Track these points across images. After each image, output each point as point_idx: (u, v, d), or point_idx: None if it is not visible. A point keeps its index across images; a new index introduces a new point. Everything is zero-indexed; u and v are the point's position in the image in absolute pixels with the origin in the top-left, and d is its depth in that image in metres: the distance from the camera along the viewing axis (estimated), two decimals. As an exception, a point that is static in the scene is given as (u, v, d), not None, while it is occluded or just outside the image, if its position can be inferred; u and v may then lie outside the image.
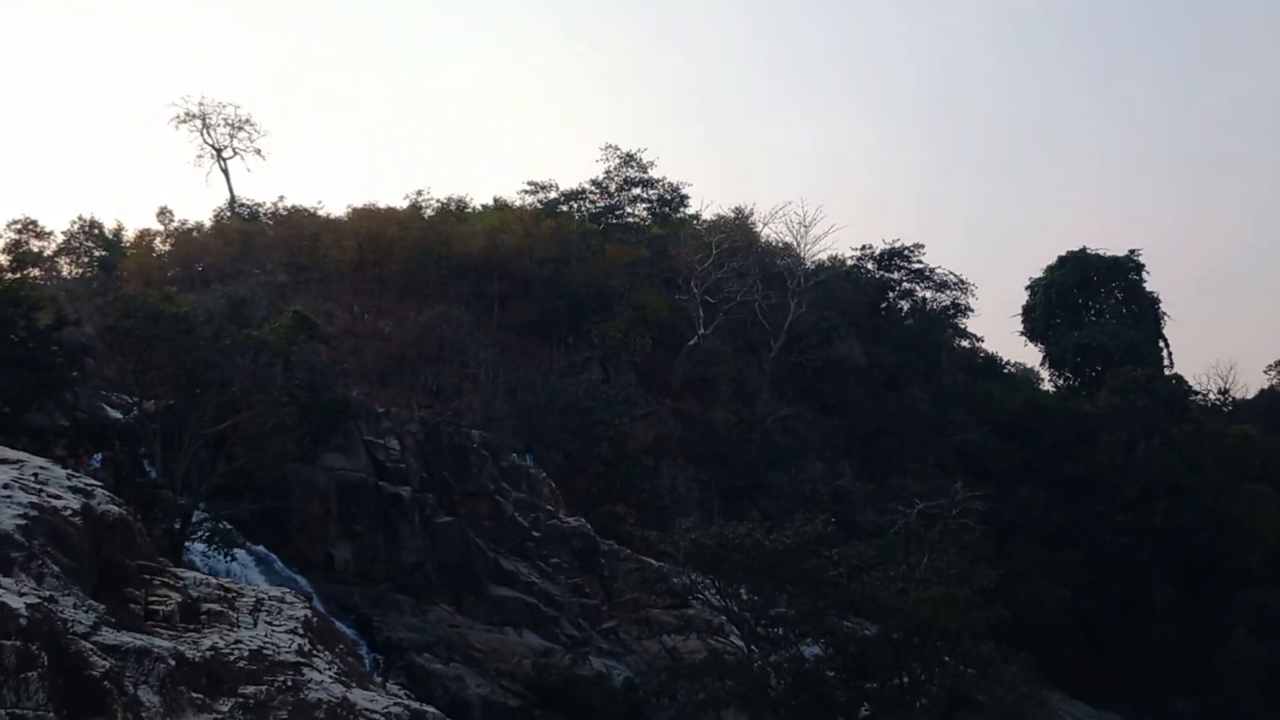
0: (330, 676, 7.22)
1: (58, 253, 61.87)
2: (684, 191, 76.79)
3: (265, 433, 31.99)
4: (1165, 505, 57.45)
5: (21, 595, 5.65)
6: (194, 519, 28.72)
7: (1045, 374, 79.15)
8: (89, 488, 7.46)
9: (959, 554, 37.31)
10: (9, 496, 6.42)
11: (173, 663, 6.10)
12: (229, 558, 29.15)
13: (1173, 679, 55.98)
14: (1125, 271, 79.87)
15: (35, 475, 7.13)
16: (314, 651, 7.36)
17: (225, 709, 5.98)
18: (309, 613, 8.37)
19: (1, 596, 5.45)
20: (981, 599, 37.42)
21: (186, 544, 27.79)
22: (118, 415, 32.28)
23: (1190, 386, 70.69)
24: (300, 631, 7.68)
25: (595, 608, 45.33)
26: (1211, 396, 73.42)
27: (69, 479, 7.39)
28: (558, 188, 75.31)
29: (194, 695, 6.06)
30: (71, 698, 5.41)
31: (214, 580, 7.74)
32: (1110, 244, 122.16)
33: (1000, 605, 41.21)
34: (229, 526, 30.25)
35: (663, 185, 75.67)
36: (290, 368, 34.48)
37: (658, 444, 55.26)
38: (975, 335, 76.60)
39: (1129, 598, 57.76)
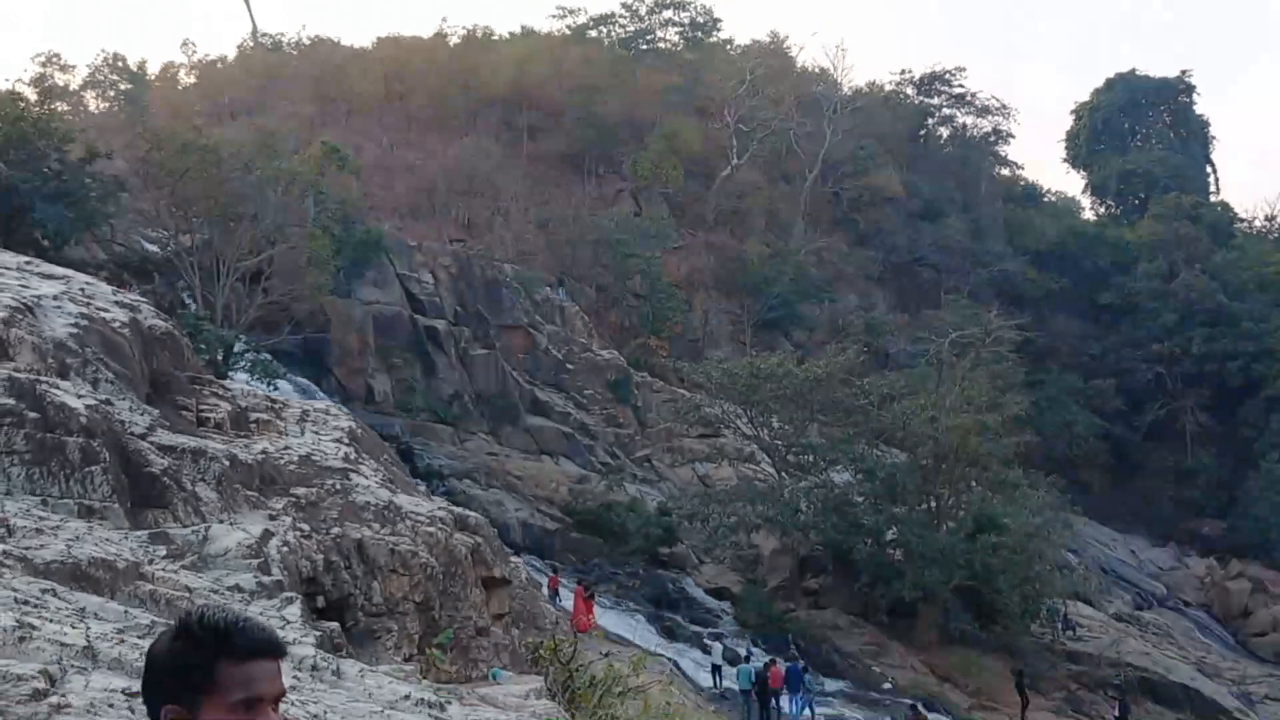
0: (376, 482, 7.45)
1: (83, 87, 61.13)
2: (717, 15, 74.28)
3: (300, 266, 32.19)
4: (1203, 333, 57.07)
5: (80, 397, 5.80)
6: (235, 350, 29.25)
7: (1087, 202, 77.58)
8: (135, 303, 7.55)
9: (990, 382, 37.50)
10: (59, 307, 6.51)
11: (227, 463, 6.30)
12: (271, 388, 29.81)
13: (1199, 504, 56.86)
14: (1175, 94, 76.98)
15: (82, 290, 7.22)
16: (359, 459, 7.57)
17: (279, 507, 6.20)
18: (353, 424, 8.58)
19: (61, 397, 5.60)
20: (1011, 425, 37.84)
21: (229, 374, 28.38)
22: (155, 250, 32.53)
23: (1236, 214, 69.11)
24: (345, 441, 7.88)
25: (629, 437, 46.30)
26: (1258, 223, 71.82)
27: (114, 294, 7.48)
28: (586, 12, 72.96)
29: (249, 493, 6.29)
30: (134, 492, 5.62)
31: (260, 392, 7.88)
32: (1161, 66, 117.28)
33: (1030, 432, 41.69)
34: (269, 357, 30.81)
35: (695, 8, 73.05)
36: (321, 201, 34.38)
37: (690, 277, 55.18)
38: (1016, 163, 74.94)
39: (1160, 424, 58.15)
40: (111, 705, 3.21)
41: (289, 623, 5.09)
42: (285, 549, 5.92)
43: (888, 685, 32.01)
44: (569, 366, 45.92)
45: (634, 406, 47.15)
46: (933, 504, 36.71)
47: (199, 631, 2.00)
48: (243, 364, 29.88)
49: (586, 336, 48.80)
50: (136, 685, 3.64)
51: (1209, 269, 58.13)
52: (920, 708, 26.96)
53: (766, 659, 28.49)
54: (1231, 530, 54.98)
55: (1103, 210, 74.18)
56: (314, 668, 4.69)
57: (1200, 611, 51.92)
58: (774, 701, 27.09)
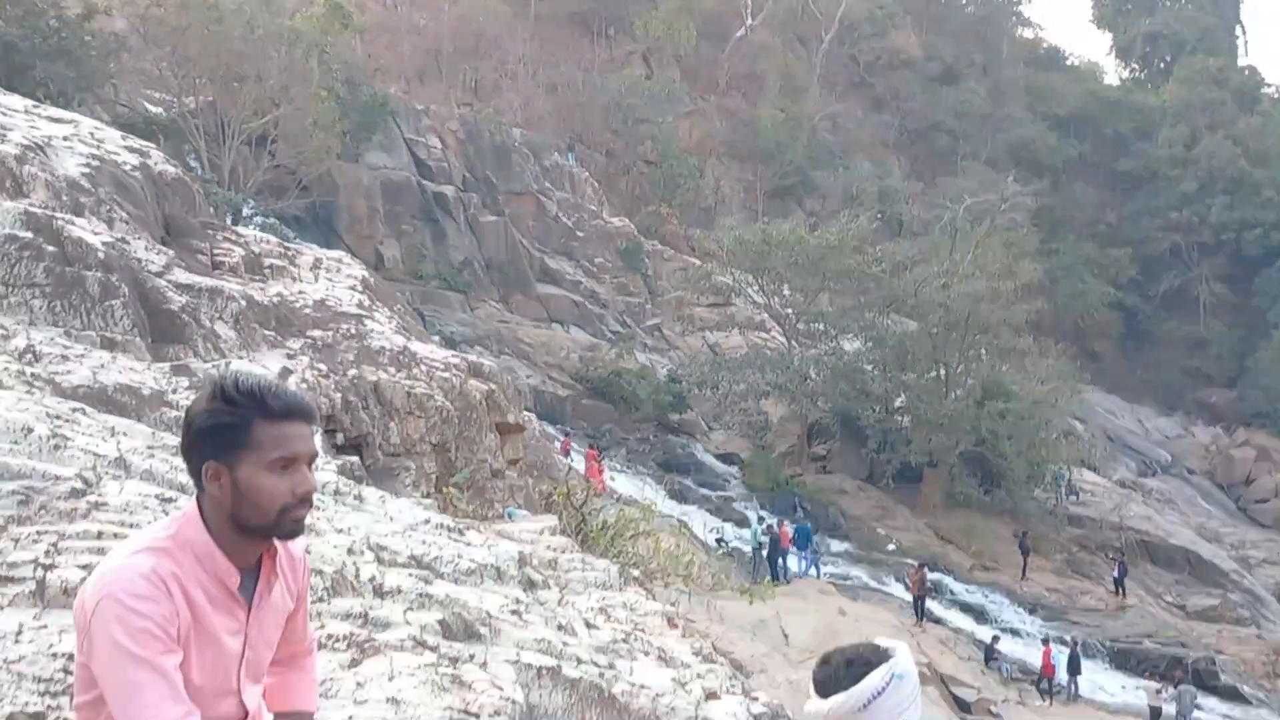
0: (391, 329, 7.50)
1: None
2: None
3: (306, 129, 31.73)
4: (1222, 201, 56.28)
5: (96, 234, 5.81)
6: (244, 214, 29.12)
7: (1111, 66, 75.46)
8: (144, 148, 7.48)
9: (1004, 249, 37.23)
10: (70, 148, 6.47)
11: (243, 303, 6.34)
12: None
13: (1209, 374, 57.05)
14: (1207, -51, 74.06)
15: (91, 134, 7.15)
16: (373, 307, 7.62)
17: (296, 347, 6.27)
18: (365, 273, 8.60)
19: (78, 232, 5.61)
20: (1024, 293, 37.73)
21: (240, 238, 28.27)
22: (160, 111, 32.06)
23: (1264, 79, 67.27)
24: (359, 288, 7.91)
25: (639, 306, 46.33)
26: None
27: (123, 139, 7.40)
28: None
29: (266, 333, 6.35)
30: (154, 328, 5.67)
31: (274, 239, 7.89)
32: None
33: (1043, 300, 41.55)
34: (278, 222, 30.68)
35: None
36: (325, 63, 33.66)
37: (702, 143, 54.32)
38: (1038, 25, 72.82)
39: (1173, 294, 57.89)
40: (146, 507, 3.32)
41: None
42: (304, 386, 6.01)
43: (892, 547, 32.82)
44: (579, 234, 45.64)
45: (645, 275, 47.03)
46: (942, 371, 36.90)
47: (235, 394, 2.05)
48: (252, 227, 29.72)
49: (597, 204, 48.36)
50: (169, 492, 3.77)
51: (1232, 135, 56.90)
52: (924, 567, 27.75)
53: (774, 520, 29.17)
54: (1240, 399, 55.30)
55: (1127, 74, 72.27)
56: (336, 492, 4.80)
57: (1204, 479, 52.64)
58: (781, 560, 27.85)
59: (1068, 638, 29.40)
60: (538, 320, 42.39)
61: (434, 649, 3.61)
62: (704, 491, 33.95)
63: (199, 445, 2.07)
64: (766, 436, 38.79)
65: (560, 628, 4.66)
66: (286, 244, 8.21)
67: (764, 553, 27.25)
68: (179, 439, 2.10)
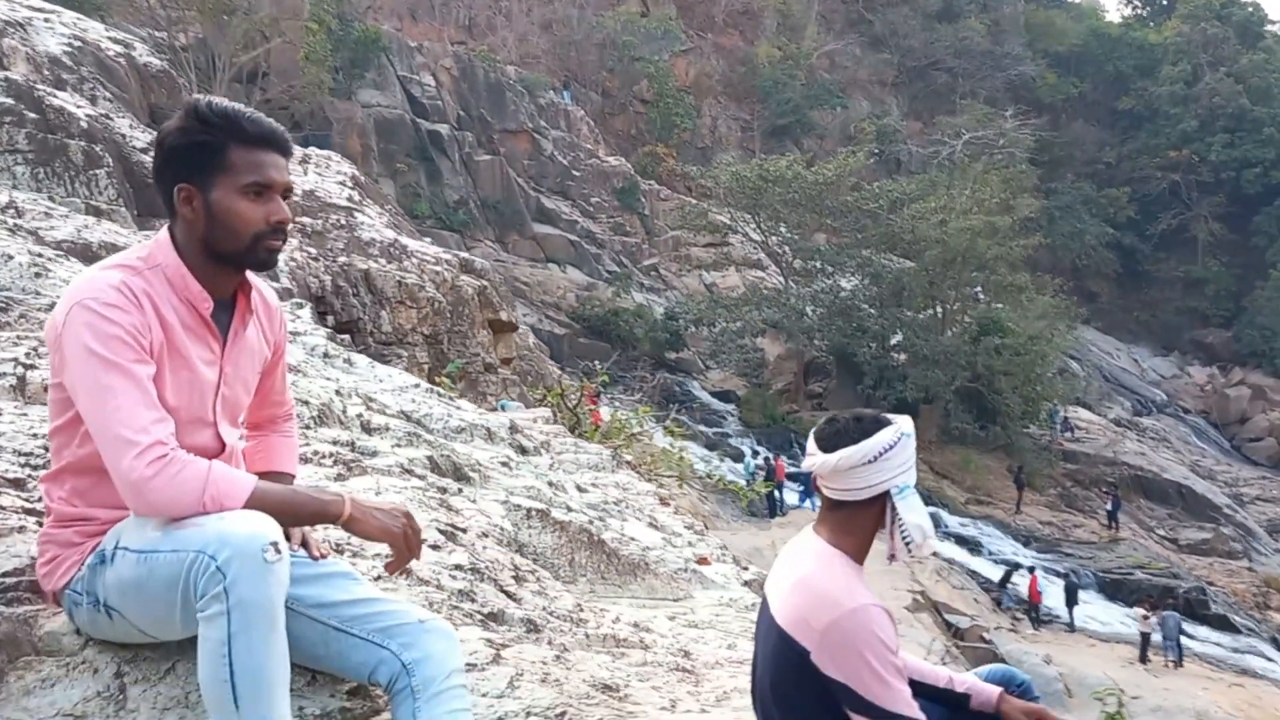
0: (382, 224, 7.44)
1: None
2: None
3: (297, 63, 31.39)
4: (1223, 138, 55.89)
5: (79, 107, 5.73)
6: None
7: (1112, 3, 74.67)
8: (128, 40, 7.35)
9: (1002, 184, 37.01)
10: (50, 28, 6.34)
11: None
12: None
13: (1206, 313, 57.02)
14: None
15: (75, 21, 7.01)
16: (364, 202, 7.54)
17: (286, 230, 6.24)
18: (355, 171, 8.51)
19: (60, 102, 5.53)
20: (1021, 229, 37.60)
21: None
22: (149, 48, 31.66)
23: (1267, 14, 66.47)
24: (349, 184, 7.82)
25: (636, 246, 46.15)
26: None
27: (106, 29, 7.27)
28: None
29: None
30: (139, 202, 5.61)
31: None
32: None
33: (1040, 236, 41.42)
34: (271, 157, 30.37)
35: None
36: (316, -3, 33.27)
37: (698, 82, 53.76)
38: (1039, -39, 71.47)
39: (1171, 234, 57.67)
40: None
41: (299, 319, 5.19)
42: (294, 264, 5.97)
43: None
44: (575, 173, 45.32)
45: (641, 215, 46.80)
46: (938, 308, 36.90)
47: (210, 115, 2.01)
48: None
49: (593, 143, 47.96)
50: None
51: (1234, 72, 56.36)
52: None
53: (770, 454, 29.31)
54: (1236, 339, 55.33)
55: (1129, 11, 71.39)
56: (326, 355, 4.78)
57: (1199, 418, 52.80)
58: (778, 493, 28.03)
59: (1061, 568, 29.79)
60: (534, 260, 42.26)
61: (421, 478, 3.61)
62: (700, 428, 34.03)
63: (171, 166, 2.03)
64: (763, 374, 38.86)
65: (551, 484, 4.66)
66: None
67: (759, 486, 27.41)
68: (153, 164, 2.06)
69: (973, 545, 30.02)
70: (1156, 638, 23.97)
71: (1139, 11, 69.54)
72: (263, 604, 1.79)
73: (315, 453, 3.33)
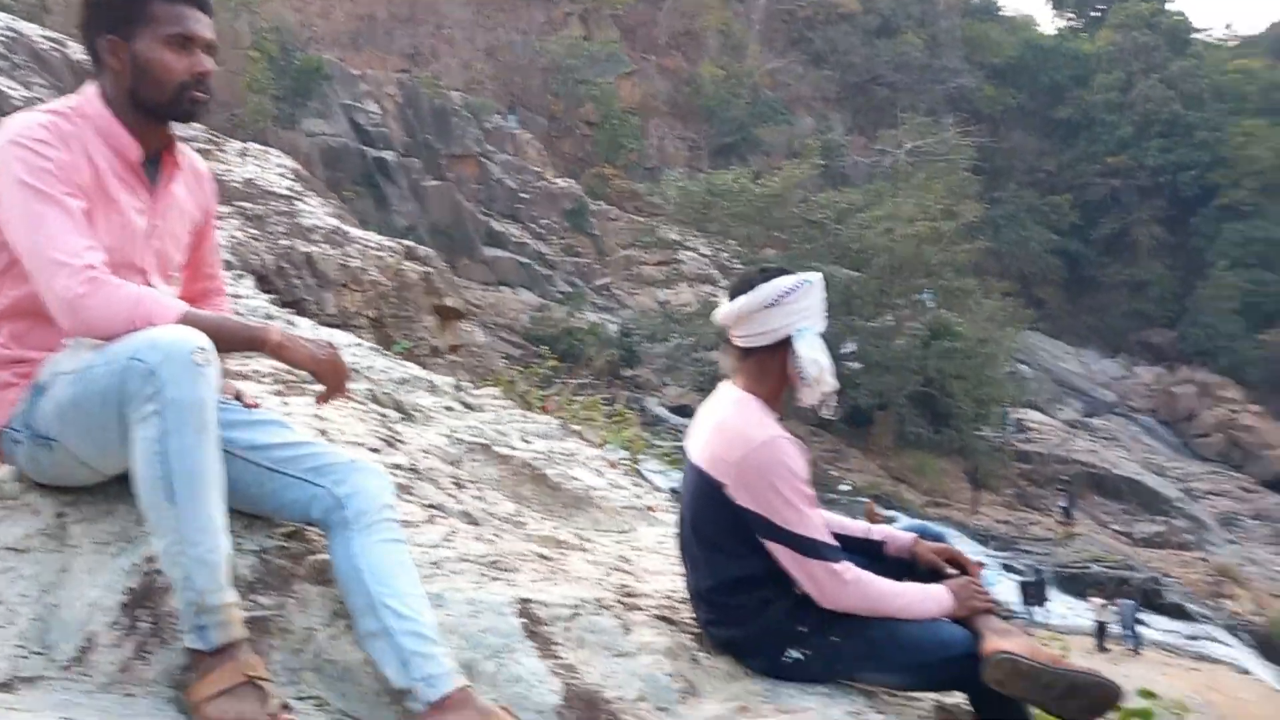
0: (324, 213, 7.46)
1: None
2: None
3: (240, 92, 31.25)
4: (1158, 144, 57.22)
5: (14, 89, 5.70)
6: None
7: (1048, 17, 76.27)
8: (61, 38, 7.33)
9: (946, 191, 37.62)
10: (-20, 20, 6.34)
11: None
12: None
13: (1150, 315, 58.14)
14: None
15: (9, 22, 6.98)
16: (305, 193, 7.55)
17: (224, 211, 6.20)
18: (297, 165, 8.53)
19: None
20: (967, 235, 38.22)
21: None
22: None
23: (1193, 23, 68.37)
24: (290, 176, 7.84)
25: (588, 266, 46.30)
26: (1216, 33, 71.17)
27: (41, 31, 7.24)
28: None
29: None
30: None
31: (201, 126, 7.74)
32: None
33: (985, 241, 42.13)
34: (216, 185, 30.14)
35: None
36: (255, 25, 33.12)
37: (644, 103, 54.17)
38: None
39: (1114, 238, 58.82)
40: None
41: (240, 286, 5.17)
42: (235, 241, 5.95)
43: (845, 487, 33.25)
44: (524, 196, 45.42)
45: (591, 235, 46.97)
46: (889, 316, 37.33)
47: None
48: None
49: (540, 166, 48.12)
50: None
51: (1166, 78, 57.79)
52: (876, 505, 28.18)
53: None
54: (1181, 339, 56.44)
55: (1062, 24, 73.03)
56: (268, 316, 4.77)
57: (1148, 417, 53.73)
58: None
59: (1021, 565, 30.12)
60: (486, 283, 42.21)
61: (362, 404, 3.62)
62: (657, 443, 34.01)
63: (95, 18, 2.10)
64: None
65: (498, 431, 4.68)
66: (213, 132, 8.08)
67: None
68: (79, 18, 2.13)
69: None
70: (1115, 628, 24.30)
71: (1072, 23, 71.15)
72: (194, 404, 1.82)
73: (255, 370, 3.34)
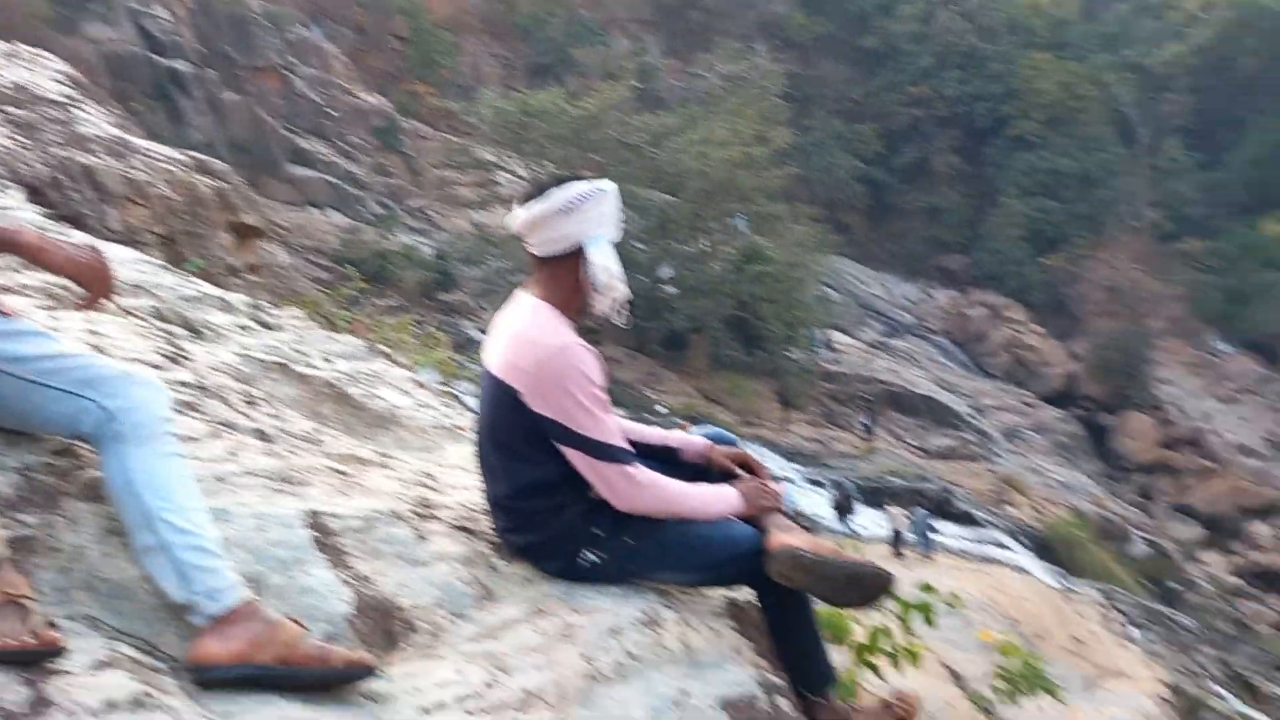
0: (107, 123, 6.93)
1: None
2: None
3: (9, -9, 28.57)
4: (956, 75, 59.77)
5: None
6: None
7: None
8: None
9: (757, 117, 38.30)
10: None
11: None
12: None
13: (947, 241, 61.22)
14: None
15: None
16: (84, 101, 6.98)
17: (-11, 118, 5.69)
18: (75, 72, 7.87)
19: None
20: (777, 161, 39.11)
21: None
22: None
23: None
24: (66, 82, 7.24)
25: (400, 187, 45.02)
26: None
27: None
28: None
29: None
30: None
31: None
32: None
33: (796, 169, 43.24)
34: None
35: None
36: (27, -84, 30.25)
37: (456, 19, 52.56)
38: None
39: (914, 166, 61.37)
40: None
41: (7, 197, 4.78)
42: (1, 150, 5.48)
43: (662, 409, 33.96)
44: (331, 112, 43.57)
45: (404, 155, 45.63)
46: (704, 241, 37.98)
47: None
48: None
49: (348, 81, 46.17)
50: None
51: (965, 11, 60.27)
52: (690, 426, 28.98)
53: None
54: (973, 264, 59.73)
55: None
56: (42, 228, 4.43)
57: (943, 338, 56.91)
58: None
59: (825, 479, 31.64)
60: (292, 204, 40.48)
61: (144, 321, 3.43)
62: (472, 366, 33.75)
63: None
64: (536, 311, 38.89)
65: (298, 350, 4.53)
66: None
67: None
68: None
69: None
70: (909, 536, 25.88)
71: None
72: None
73: (23, 284, 3.11)
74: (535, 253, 2.46)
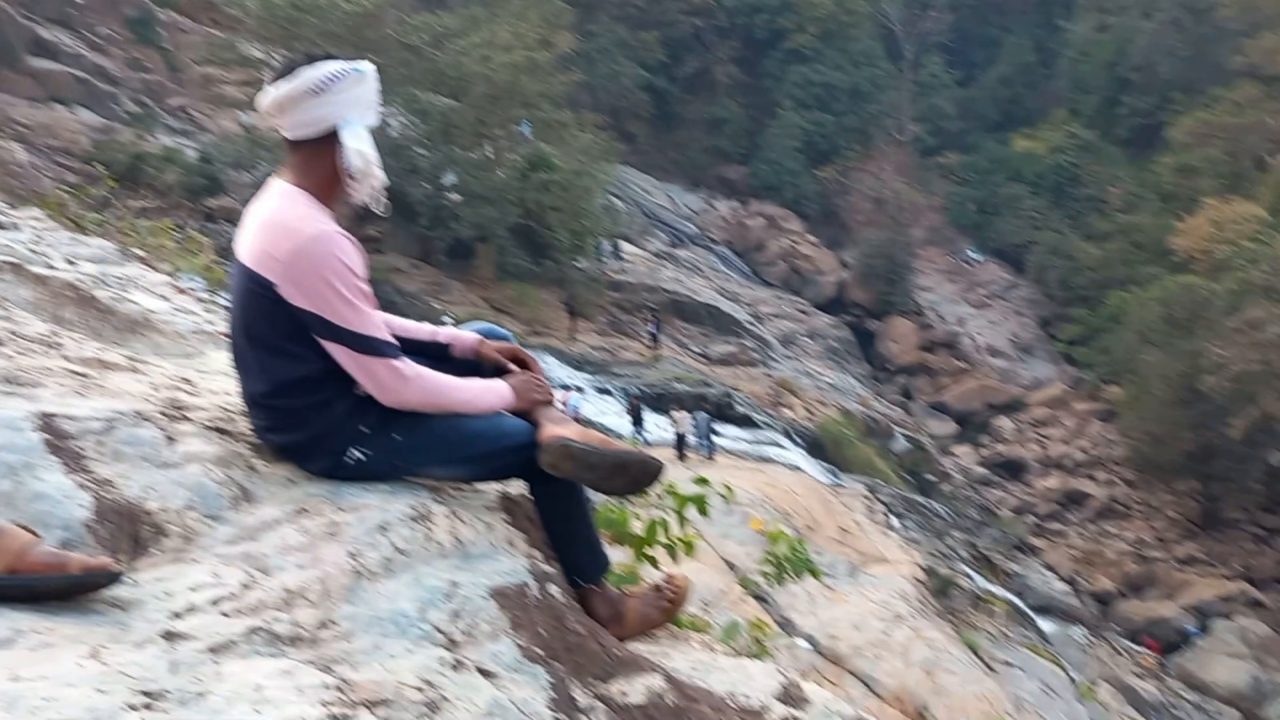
0: None
1: None
2: None
3: None
4: (737, -15, 60.50)
5: None
6: None
7: None
8: None
9: (541, 21, 37.60)
10: None
11: None
12: None
13: (727, 151, 62.48)
14: None
15: None
16: None
17: None
18: None
19: None
20: (561, 66, 38.63)
21: None
22: None
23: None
24: None
25: (158, 84, 41.79)
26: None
27: None
28: None
29: None
30: None
31: None
32: None
33: (581, 75, 42.86)
34: None
35: None
36: None
37: (217, -99, 48.54)
38: None
39: (696, 76, 62.00)
40: None
41: None
42: None
43: (448, 320, 33.50)
44: (76, 0, 39.76)
45: (162, 49, 42.27)
46: (488, 147, 37.24)
47: None
48: None
49: (92, -31, 42.11)
50: None
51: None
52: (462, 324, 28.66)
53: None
54: (752, 175, 61.30)
55: None
56: None
57: (724, 247, 58.44)
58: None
59: (614, 388, 32.21)
60: (34, 99, 36.90)
61: None
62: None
63: None
64: (313, 220, 37.29)
65: (35, 251, 4.16)
66: None
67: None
68: None
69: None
70: (692, 439, 26.79)
71: None
72: None
73: None
74: (287, 136, 2.33)
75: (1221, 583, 35.85)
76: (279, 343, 2.26)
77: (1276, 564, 37.41)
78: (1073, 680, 22.18)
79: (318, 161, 2.30)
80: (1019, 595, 28.80)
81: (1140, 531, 40.84)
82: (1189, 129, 47.00)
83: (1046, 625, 27.58)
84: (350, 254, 2.26)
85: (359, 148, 2.28)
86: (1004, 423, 49.19)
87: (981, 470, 45.94)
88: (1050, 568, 36.12)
